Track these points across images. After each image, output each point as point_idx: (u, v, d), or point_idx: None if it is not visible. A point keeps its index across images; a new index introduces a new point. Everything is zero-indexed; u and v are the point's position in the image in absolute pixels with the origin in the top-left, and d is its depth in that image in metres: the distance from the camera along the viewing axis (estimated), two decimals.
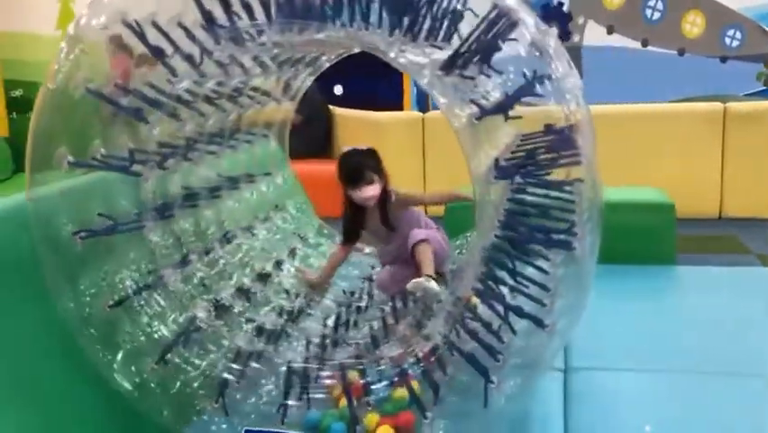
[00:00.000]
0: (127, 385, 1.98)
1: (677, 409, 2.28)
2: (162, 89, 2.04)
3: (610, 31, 8.29)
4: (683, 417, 2.23)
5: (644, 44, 8.32)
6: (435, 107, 7.17)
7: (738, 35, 8.06)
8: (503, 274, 1.94)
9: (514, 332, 1.91)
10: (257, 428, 1.97)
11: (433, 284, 2.37)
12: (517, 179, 1.95)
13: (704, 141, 5.73)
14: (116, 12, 1.88)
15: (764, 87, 7.96)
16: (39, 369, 1.87)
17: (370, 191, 2.56)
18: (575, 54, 8.10)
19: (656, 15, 8.24)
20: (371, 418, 2.04)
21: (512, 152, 1.96)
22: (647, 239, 3.78)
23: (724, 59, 8.10)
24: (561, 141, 1.87)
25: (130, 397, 1.99)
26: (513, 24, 1.81)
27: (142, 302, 2.06)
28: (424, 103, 7.96)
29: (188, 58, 1.90)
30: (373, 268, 2.95)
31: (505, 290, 1.94)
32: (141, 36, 1.86)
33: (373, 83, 7.03)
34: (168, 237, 2.22)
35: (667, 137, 5.71)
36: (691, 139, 5.73)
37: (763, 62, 7.98)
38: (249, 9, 1.83)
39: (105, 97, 1.93)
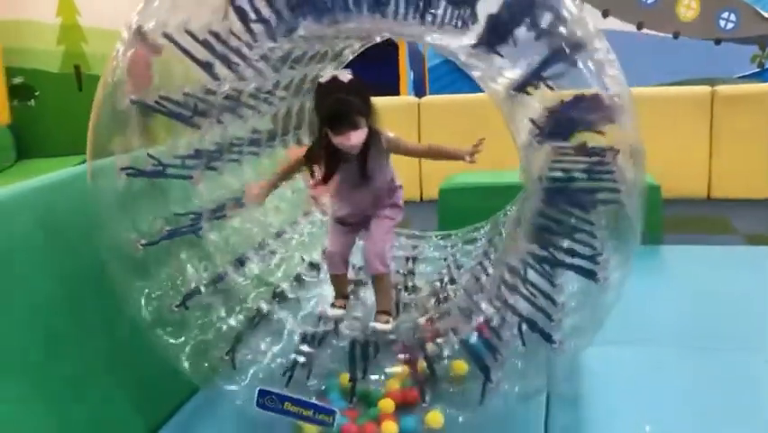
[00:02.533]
0: (148, 319, 2.07)
1: (660, 380, 2.40)
2: (204, 97, 2.13)
3: (606, 14, 8.34)
4: (666, 386, 2.35)
5: (639, 27, 8.37)
6: (432, 93, 7.26)
7: (733, 18, 8.11)
8: (555, 238, 2.00)
9: (524, 343, 2.01)
10: (273, 390, 2.09)
11: (384, 326, 2.29)
12: (557, 143, 1.98)
13: (693, 123, 5.84)
14: (160, 24, 1.98)
15: (759, 69, 8.02)
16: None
17: (355, 139, 2.19)
18: None
19: None
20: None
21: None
22: None
23: (718, 42, 8.15)
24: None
25: (148, 329, 2.08)
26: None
27: (207, 300, 2.19)
28: (420, 88, 8.04)
29: (226, 60, 1.99)
30: (414, 248, 3.05)
31: (557, 253, 1.99)
32: (185, 50, 1.96)
33: (370, 69, 7.15)
34: (223, 236, 2.35)
35: (657, 120, 5.80)
36: (680, 122, 5.84)
37: (758, 44, 8.03)
38: (277, 11, 1.92)
39: (150, 107, 2.01)
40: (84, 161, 2.12)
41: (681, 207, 5.17)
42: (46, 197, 2.12)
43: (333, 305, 2.41)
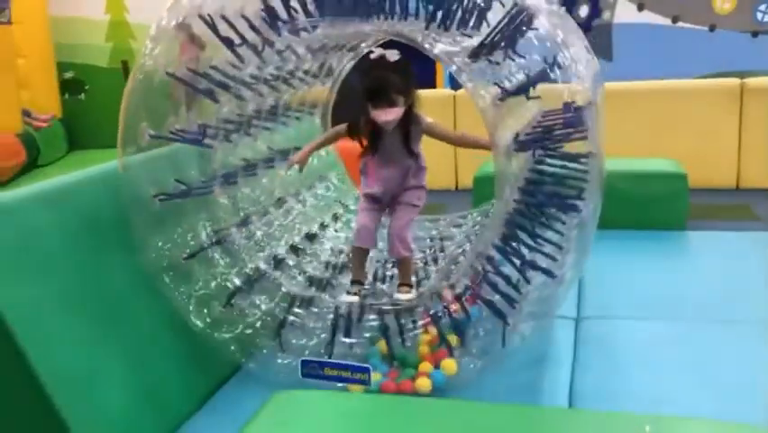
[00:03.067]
0: (199, 324, 2.36)
1: (680, 352, 2.57)
2: (229, 73, 2.37)
3: (641, 8, 8.39)
4: (687, 358, 2.51)
5: (675, 21, 8.40)
6: None
7: None
8: (521, 234, 2.26)
9: (528, 282, 2.24)
10: (313, 359, 2.33)
11: (407, 295, 2.50)
12: (539, 151, 2.23)
13: (723, 115, 5.94)
14: (193, 7, 2.23)
15: None
16: (130, 310, 2.25)
17: (390, 115, 2.37)
18: (606, 31, 8.21)
19: None
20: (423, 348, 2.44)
21: (533, 127, 2.26)
22: (661, 206, 4.10)
23: (755, 34, 8.15)
24: (573, 118, 2.18)
25: (202, 333, 2.37)
26: (532, 16, 2.09)
27: (213, 255, 2.43)
28: (456, 81, 8.19)
29: (253, 47, 2.23)
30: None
31: (522, 248, 2.26)
32: (214, 27, 2.18)
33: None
34: (232, 201, 2.59)
35: (687, 112, 5.93)
36: (710, 114, 5.94)
37: None
38: (304, 5, 2.14)
39: (181, 80, 2.27)
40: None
41: (710, 197, 5.30)
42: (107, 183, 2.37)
43: (348, 292, 2.58)
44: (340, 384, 2.30)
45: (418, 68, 8.26)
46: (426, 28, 2.13)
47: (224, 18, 2.21)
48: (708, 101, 5.98)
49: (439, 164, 6.43)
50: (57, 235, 2.04)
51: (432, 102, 6.52)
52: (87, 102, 9.96)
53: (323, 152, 3.47)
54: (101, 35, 9.83)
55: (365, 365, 2.28)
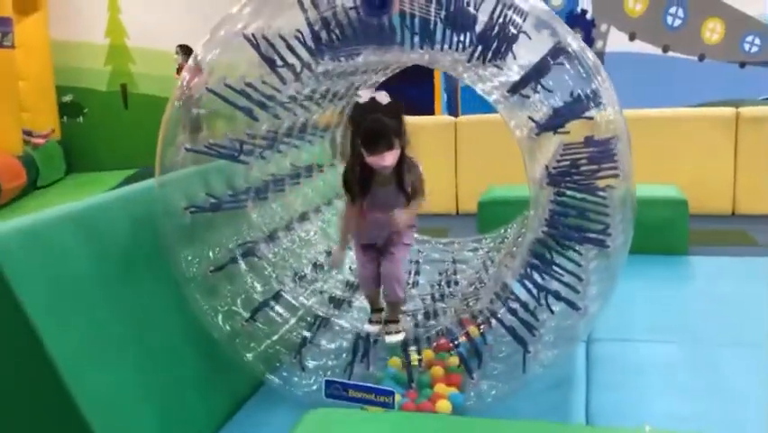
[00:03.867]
0: (222, 335, 2.40)
1: (687, 373, 2.66)
2: (266, 93, 2.41)
3: (632, 37, 8.56)
4: (697, 378, 2.59)
5: (665, 50, 8.57)
6: (465, 113, 7.54)
7: (758, 41, 8.29)
8: (543, 265, 2.34)
9: (552, 312, 2.32)
10: (336, 379, 2.38)
11: (396, 337, 2.52)
12: (558, 186, 2.31)
13: (718, 143, 6.05)
14: (236, 32, 2.28)
15: None
16: (154, 330, 2.28)
17: (390, 159, 2.29)
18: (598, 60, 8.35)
19: (677, 22, 8.49)
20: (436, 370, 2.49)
21: (557, 161, 2.33)
22: (662, 231, 4.17)
23: (743, 65, 8.32)
24: (600, 152, 2.25)
25: (226, 348, 2.41)
26: (561, 49, 2.17)
27: (240, 269, 2.48)
28: (453, 108, 8.31)
29: (292, 68, 2.29)
30: (421, 253, 3.37)
31: (546, 277, 2.33)
32: (257, 47, 2.24)
33: (406, 89, 7.40)
34: (261, 215, 2.65)
35: (684, 140, 6.03)
36: (707, 142, 6.05)
37: None
38: (343, 32, 2.20)
39: (222, 97, 2.31)
40: (128, 177, 2.42)
41: (707, 223, 5.40)
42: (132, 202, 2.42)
43: (370, 321, 2.62)
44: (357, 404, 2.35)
45: (418, 94, 8.33)
46: (468, 61, 2.20)
47: (265, 39, 2.27)
48: (704, 129, 6.09)
49: (440, 188, 6.54)
50: (85, 257, 2.08)
51: (433, 128, 6.64)
52: (86, 125, 10.01)
53: (337, 169, 3.56)
54: (100, 59, 9.90)
55: (389, 388, 2.31)
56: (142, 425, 2.10)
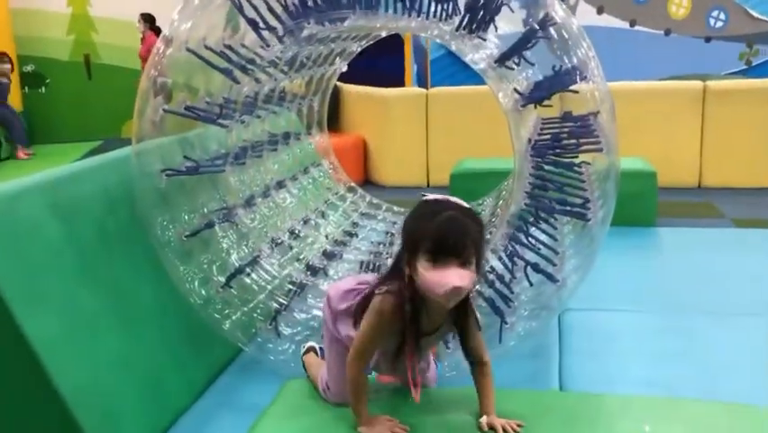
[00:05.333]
0: (198, 300, 2.38)
1: (658, 340, 2.71)
2: (247, 56, 2.37)
3: (600, 11, 8.59)
4: (669, 345, 2.64)
5: (632, 24, 8.61)
6: (434, 84, 7.53)
7: (722, 16, 8.36)
8: (524, 237, 2.35)
9: (530, 284, 2.34)
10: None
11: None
12: (539, 159, 2.31)
13: (685, 117, 6.12)
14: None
15: (746, 67, 8.29)
16: (130, 300, 2.26)
17: (465, 279, 1.56)
18: None
19: None
20: None
21: (539, 134, 2.35)
22: (632, 203, 4.18)
23: (708, 40, 8.40)
24: (579, 128, 2.27)
25: (200, 310, 2.39)
26: (548, 20, 2.16)
27: (217, 234, 2.46)
28: (423, 80, 8.29)
29: (275, 31, 2.25)
30: (395, 224, 3.37)
31: (525, 250, 2.35)
32: (240, 9, 2.21)
33: (376, 60, 7.35)
34: (239, 181, 2.63)
35: (652, 114, 6.08)
36: (674, 115, 6.12)
37: (746, 42, 8.29)
38: None
39: (203, 58, 2.26)
40: (92, 149, 2.38)
41: (674, 195, 5.48)
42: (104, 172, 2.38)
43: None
44: None
45: (388, 65, 8.24)
46: (457, 30, 2.18)
47: (248, 1, 2.24)
48: (671, 103, 6.15)
49: (411, 160, 6.56)
50: (56, 230, 2.04)
51: (404, 100, 6.62)
52: (48, 96, 9.80)
53: (307, 143, 3.55)
54: (62, 28, 9.69)
55: None
56: (121, 398, 2.09)
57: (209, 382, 2.51)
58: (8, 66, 8.43)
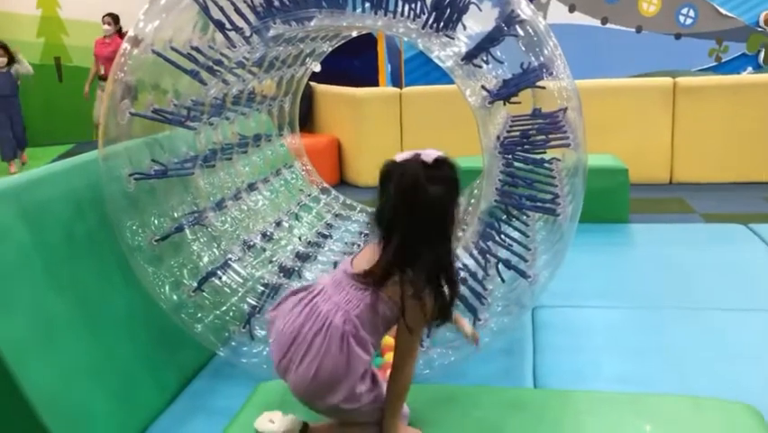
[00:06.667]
0: (169, 304, 2.37)
1: (631, 336, 2.74)
2: (213, 57, 2.36)
3: (572, 9, 8.63)
4: (638, 342, 2.67)
5: (604, 22, 8.67)
6: (408, 84, 7.53)
7: (692, 14, 8.44)
8: (495, 234, 2.37)
9: (503, 280, 2.35)
10: None
11: None
12: (508, 156, 2.33)
13: (656, 113, 6.19)
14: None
15: (716, 63, 8.38)
16: (100, 306, 2.24)
17: None
18: None
19: None
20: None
21: (508, 131, 2.36)
22: (603, 200, 4.22)
23: (678, 36, 8.48)
24: (548, 124, 2.28)
25: (172, 314, 2.37)
26: (514, 18, 2.17)
27: (188, 238, 2.44)
28: (398, 80, 8.28)
29: (242, 31, 2.25)
30: (369, 225, 3.36)
31: (496, 246, 2.37)
32: (205, 9, 2.20)
33: (349, 60, 7.32)
34: (209, 184, 2.61)
35: (623, 110, 6.14)
36: (645, 112, 6.18)
37: (715, 39, 8.38)
38: None
39: (168, 60, 2.26)
40: (63, 153, 2.35)
41: (646, 191, 5.54)
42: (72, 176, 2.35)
43: None
44: None
45: (361, 65, 8.21)
46: (423, 28, 2.18)
47: (213, 2, 2.23)
48: (642, 99, 6.21)
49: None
50: (23, 235, 2.01)
51: (378, 100, 6.61)
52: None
53: (286, 141, 3.54)
54: (32, 31, 9.56)
55: None
56: (91, 403, 2.06)
57: (182, 386, 2.49)
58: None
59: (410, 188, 1.59)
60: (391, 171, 1.62)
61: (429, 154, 1.62)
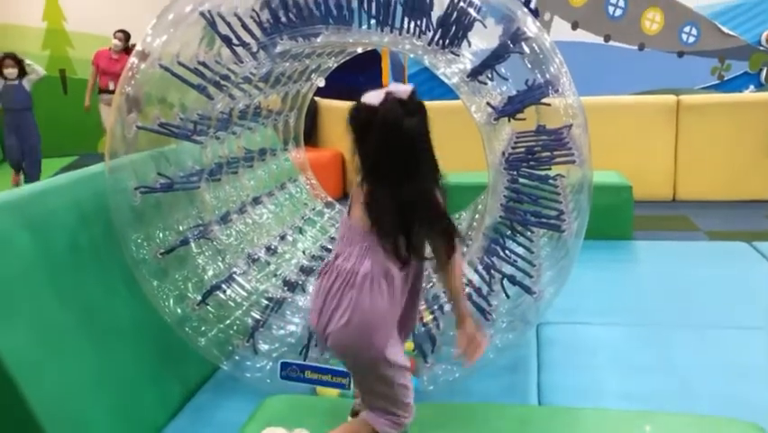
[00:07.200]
0: (174, 318, 2.36)
1: (636, 353, 2.74)
2: (221, 72, 2.36)
3: (575, 26, 8.67)
4: (642, 360, 2.67)
5: (607, 40, 8.71)
6: None
7: (694, 32, 8.48)
8: (501, 249, 2.37)
9: (507, 296, 2.35)
10: (293, 361, 2.37)
11: None
12: (513, 172, 2.33)
13: (659, 131, 6.19)
14: (186, 14, 2.24)
15: (718, 81, 8.41)
16: (104, 320, 2.23)
17: None
18: None
19: (618, 12, 8.62)
20: None
21: (513, 147, 2.36)
22: (607, 217, 4.21)
23: (681, 54, 8.52)
24: (553, 141, 2.29)
25: (176, 327, 2.37)
26: (520, 35, 2.19)
27: (193, 251, 2.44)
28: None
29: (249, 47, 2.26)
30: None
31: (501, 262, 2.37)
32: (213, 24, 2.21)
33: (353, 76, 7.35)
34: (215, 197, 2.61)
35: (627, 127, 6.15)
36: (648, 129, 6.19)
37: (717, 57, 8.42)
38: (301, 13, 2.18)
39: (176, 74, 2.27)
40: (67, 165, 2.36)
41: (649, 208, 5.53)
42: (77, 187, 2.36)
43: None
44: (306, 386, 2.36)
45: (365, 81, 8.26)
46: (428, 45, 2.20)
47: (221, 17, 2.24)
48: (646, 116, 6.22)
49: None
50: (28, 247, 2.01)
51: None
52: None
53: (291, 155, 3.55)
54: (38, 43, 9.60)
55: (346, 370, 2.33)
56: (94, 415, 2.06)
57: (185, 400, 2.49)
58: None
59: (395, 130, 1.63)
60: (371, 119, 1.64)
61: (401, 90, 1.65)
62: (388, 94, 1.64)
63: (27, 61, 7.64)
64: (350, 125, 1.69)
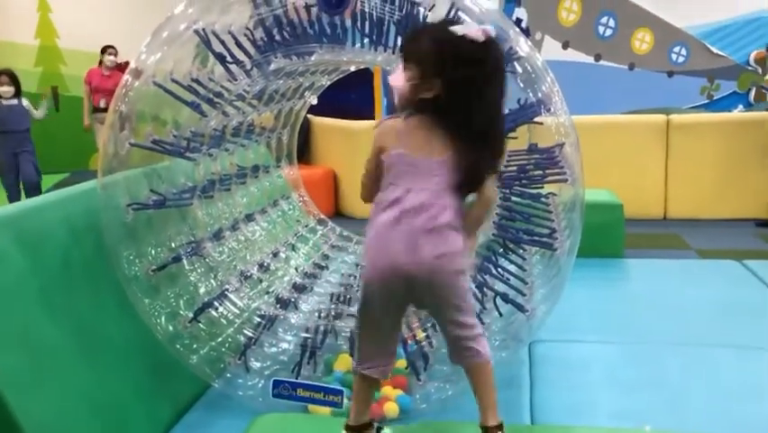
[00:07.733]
0: (166, 335, 2.35)
1: (628, 371, 2.73)
2: (214, 89, 2.38)
3: (565, 46, 8.75)
4: (634, 377, 2.66)
5: (597, 59, 8.79)
6: None
7: (684, 52, 8.57)
8: (493, 267, 2.38)
9: (500, 314, 2.36)
10: (285, 379, 2.37)
11: None
12: (506, 190, 2.35)
13: (650, 149, 6.24)
14: (180, 32, 2.26)
15: (707, 101, 8.49)
16: (96, 330, 2.22)
17: (398, 80, 1.89)
18: None
19: (608, 32, 8.72)
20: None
21: (505, 166, 2.37)
22: (599, 235, 4.22)
23: (670, 74, 8.60)
24: (545, 159, 2.30)
25: (167, 344, 2.36)
26: (512, 55, 2.20)
27: (185, 268, 2.44)
28: (392, 113, 8.31)
29: (242, 65, 2.28)
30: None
31: (494, 280, 2.38)
32: (207, 42, 2.23)
33: (345, 94, 7.38)
34: (207, 214, 2.62)
35: (617, 146, 6.18)
36: (639, 148, 6.23)
37: (707, 77, 8.50)
38: (295, 31, 2.20)
39: (169, 92, 2.28)
40: (59, 182, 2.35)
41: (640, 227, 5.56)
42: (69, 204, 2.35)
43: None
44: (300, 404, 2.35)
45: (357, 99, 8.22)
46: None
47: (215, 35, 2.26)
48: (636, 136, 6.27)
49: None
50: (19, 265, 2.00)
51: (372, 133, 6.62)
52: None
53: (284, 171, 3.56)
54: (30, 60, 9.60)
55: (339, 388, 2.33)
56: None
57: (177, 418, 2.47)
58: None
59: (501, 64, 1.78)
60: (477, 52, 1.70)
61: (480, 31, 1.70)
62: (484, 31, 1.71)
63: (43, 101, 7.30)
64: (440, 54, 1.71)
